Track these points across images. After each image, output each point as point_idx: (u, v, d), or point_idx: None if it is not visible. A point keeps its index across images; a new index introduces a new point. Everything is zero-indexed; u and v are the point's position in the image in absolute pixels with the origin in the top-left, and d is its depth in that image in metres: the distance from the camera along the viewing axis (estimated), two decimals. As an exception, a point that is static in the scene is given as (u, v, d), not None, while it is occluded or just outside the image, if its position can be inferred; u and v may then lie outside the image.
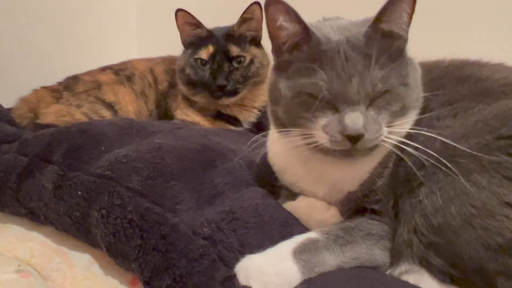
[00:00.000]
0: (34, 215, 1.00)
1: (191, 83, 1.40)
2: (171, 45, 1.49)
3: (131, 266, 0.80)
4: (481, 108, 0.75)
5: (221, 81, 1.33)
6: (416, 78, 0.78)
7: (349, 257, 0.72)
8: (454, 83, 0.81)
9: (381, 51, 0.71)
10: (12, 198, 1.02)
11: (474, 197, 0.66)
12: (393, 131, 0.74)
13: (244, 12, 1.36)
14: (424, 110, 0.78)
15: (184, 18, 1.39)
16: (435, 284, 0.70)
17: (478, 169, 0.68)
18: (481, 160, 0.68)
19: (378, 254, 0.75)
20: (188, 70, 1.39)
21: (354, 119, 0.70)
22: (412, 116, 0.77)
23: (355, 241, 0.74)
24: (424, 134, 0.73)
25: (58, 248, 0.96)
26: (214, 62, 1.36)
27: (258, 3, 1.35)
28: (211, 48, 1.36)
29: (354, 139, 0.70)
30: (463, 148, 0.69)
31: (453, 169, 0.68)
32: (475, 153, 0.68)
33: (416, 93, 0.77)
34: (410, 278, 0.71)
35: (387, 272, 0.75)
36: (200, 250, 0.73)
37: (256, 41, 1.41)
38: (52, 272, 0.91)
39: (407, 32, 0.75)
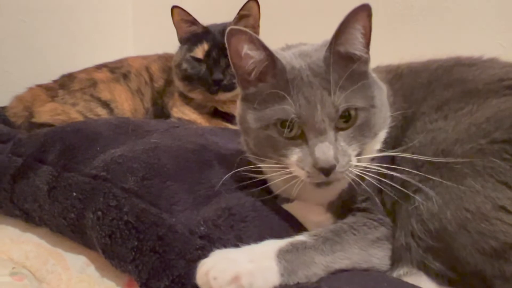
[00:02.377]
0: (28, 217, 0.99)
1: (188, 79, 1.40)
2: (167, 42, 1.49)
3: (128, 268, 0.78)
4: (472, 110, 0.75)
5: (217, 75, 1.33)
6: (382, 98, 0.77)
7: (339, 256, 0.70)
8: (442, 88, 0.81)
9: (341, 74, 0.71)
10: (6, 199, 1.01)
11: (468, 201, 0.67)
12: (361, 158, 0.74)
13: (241, 9, 1.36)
14: (415, 114, 0.78)
15: (180, 15, 1.39)
16: (434, 286, 0.70)
17: (472, 174, 0.68)
18: (475, 164, 0.68)
19: (374, 255, 0.73)
20: (185, 65, 1.39)
21: (324, 150, 0.69)
22: (381, 136, 0.77)
23: (346, 242, 0.72)
24: (419, 140, 0.73)
25: (53, 249, 0.95)
26: (210, 58, 1.35)
27: (255, 0, 1.34)
28: (206, 46, 1.36)
29: (326, 170, 0.69)
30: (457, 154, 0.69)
31: (448, 175, 0.69)
32: (468, 159, 0.68)
33: (384, 113, 0.77)
34: (409, 280, 0.71)
35: (386, 274, 0.74)
36: (199, 251, 0.72)
37: None
38: (47, 274, 0.90)
39: (366, 52, 0.74)
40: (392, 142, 0.79)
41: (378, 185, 0.74)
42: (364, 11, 0.70)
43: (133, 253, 0.77)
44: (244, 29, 0.72)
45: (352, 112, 0.72)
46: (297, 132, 0.71)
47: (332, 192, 0.80)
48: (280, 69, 0.73)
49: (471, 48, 0.87)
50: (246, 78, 0.77)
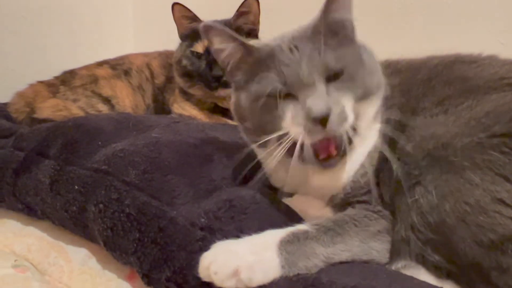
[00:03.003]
0: (30, 210, 1.00)
1: (188, 75, 1.40)
2: (168, 39, 1.49)
3: (129, 259, 0.79)
4: (471, 104, 0.75)
5: (217, 71, 1.33)
6: (373, 62, 0.78)
7: (339, 248, 0.70)
8: (443, 84, 0.81)
9: (330, 38, 0.73)
10: (9, 193, 1.02)
11: (467, 194, 0.67)
12: (360, 117, 0.74)
13: (241, 6, 1.36)
14: (415, 109, 0.79)
15: (181, 12, 1.39)
16: (432, 279, 0.70)
17: (472, 167, 0.68)
18: (474, 158, 0.68)
19: (374, 247, 0.74)
20: (185, 62, 1.39)
21: (315, 99, 0.69)
22: (375, 102, 0.78)
23: (347, 233, 0.72)
24: (420, 133, 0.74)
25: (55, 242, 0.96)
26: (210, 54, 1.35)
27: None
28: (206, 41, 1.36)
29: (321, 119, 0.68)
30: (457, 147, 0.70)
31: (447, 168, 0.69)
32: (468, 151, 0.69)
33: (377, 78, 0.78)
34: (407, 273, 0.71)
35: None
36: (200, 242, 0.72)
37: (253, 34, 1.40)
38: (49, 266, 0.91)
39: (352, 25, 0.78)
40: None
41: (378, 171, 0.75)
42: None
43: (135, 245, 0.77)
44: (211, 24, 0.75)
45: (340, 72, 0.73)
46: (286, 94, 0.72)
47: (339, 178, 0.79)
48: (256, 52, 0.76)
49: (471, 45, 0.87)
50: (230, 67, 0.79)
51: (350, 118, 0.71)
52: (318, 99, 0.69)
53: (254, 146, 0.82)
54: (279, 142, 0.73)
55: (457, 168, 0.69)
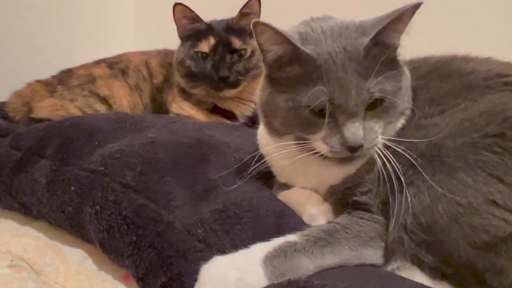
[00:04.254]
0: (27, 210, 1.00)
1: (191, 76, 1.39)
2: (168, 39, 1.48)
3: (125, 262, 0.79)
4: (467, 105, 0.75)
5: (224, 72, 1.33)
6: (407, 84, 0.78)
7: (329, 259, 0.70)
8: (439, 79, 0.81)
9: (377, 61, 0.71)
10: (5, 192, 1.01)
11: (460, 195, 0.67)
12: (384, 133, 0.75)
13: (243, 7, 1.36)
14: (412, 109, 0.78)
15: (183, 12, 1.38)
16: (426, 280, 0.70)
17: (464, 168, 0.68)
18: (467, 158, 0.69)
19: (365, 254, 0.74)
20: (189, 62, 1.39)
21: (354, 131, 0.70)
22: (401, 121, 0.78)
23: (337, 242, 0.72)
24: (413, 134, 0.74)
25: (52, 243, 0.95)
26: (215, 54, 1.35)
27: None
28: (212, 40, 1.36)
29: (354, 149, 0.71)
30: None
31: (440, 168, 0.69)
32: (461, 152, 0.69)
33: (407, 99, 0.77)
34: (403, 275, 0.71)
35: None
36: (199, 253, 0.73)
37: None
38: (45, 267, 0.91)
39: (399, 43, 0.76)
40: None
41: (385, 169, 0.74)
42: (417, 8, 0.73)
43: (131, 248, 0.77)
44: (265, 22, 0.71)
45: (382, 97, 0.73)
46: (328, 113, 0.71)
47: (345, 169, 0.79)
48: (307, 59, 0.72)
49: (470, 47, 0.88)
50: (272, 64, 0.76)
51: (379, 141, 0.74)
52: (356, 130, 0.70)
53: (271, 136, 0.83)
54: (299, 144, 0.75)
55: (450, 168, 0.69)
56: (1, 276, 0.85)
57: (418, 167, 0.71)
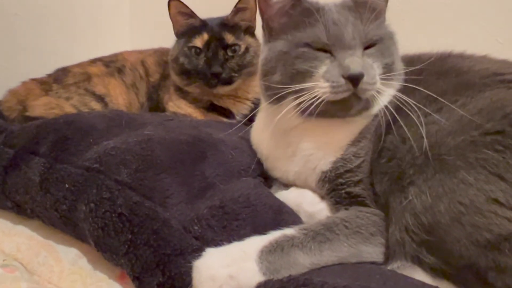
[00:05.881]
0: (20, 209, 0.99)
1: (185, 73, 1.38)
2: (164, 37, 1.47)
3: (120, 261, 0.78)
4: (465, 102, 0.75)
5: (216, 68, 1.31)
6: (398, 47, 0.85)
7: (327, 256, 0.69)
8: (436, 77, 0.81)
9: (370, 12, 0.79)
10: (-2, 190, 1.00)
11: (461, 194, 0.66)
12: (382, 91, 0.78)
13: (238, 2, 1.35)
14: (408, 103, 0.78)
15: (177, 8, 1.37)
16: (428, 279, 0.69)
17: (465, 166, 0.67)
18: (467, 157, 0.68)
19: (365, 251, 0.73)
20: (182, 59, 1.38)
21: (354, 60, 0.75)
22: (396, 83, 0.82)
23: (336, 238, 0.71)
24: (413, 133, 0.73)
25: (45, 242, 0.94)
26: (208, 50, 1.34)
27: None
28: (205, 36, 1.35)
29: (356, 80, 0.74)
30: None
31: (441, 167, 0.68)
32: (461, 150, 0.68)
33: (400, 62, 0.84)
34: (404, 273, 0.70)
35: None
36: (196, 253, 0.71)
37: (250, 31, 1.40)
38: (38, 266, 0.89)
39: (385, 10, 0.85)
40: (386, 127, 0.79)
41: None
42: None
43: (126, 247, 0.76)
44: None
45: (376, 42, 0.80)
46: (326, 52, 0.78)
47: (330, 145, 0.82)
48: (307, 5, 0.81)
49: (469, 44, 0.88)
50: (272, 17, 0.85)
51: (378, 83, 0.77)
52: (356, 60, 0.75)
53: (264, 109, 0.89)
54: (299, 96, 0.76)
55: (450, 167, 0.68)
56: (-6, 276, 0.84)
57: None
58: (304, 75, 0.77)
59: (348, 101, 0.77)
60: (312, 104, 0.75)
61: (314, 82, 0.76)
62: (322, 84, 0.75)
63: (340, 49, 0.77)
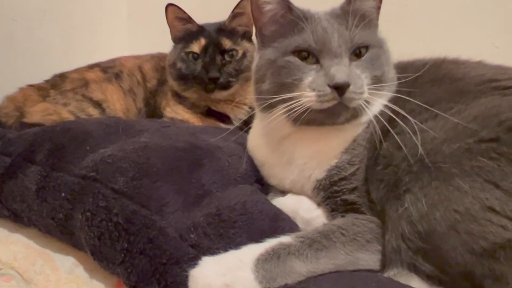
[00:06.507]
0: (17, 217, 0.98)
1: (182, 78, 1.38)
2: (162, 42, 1.47)
3: (116, 270, 0.78)
4: (460, 109, 0.75)
5: (213, 73, 1.32)
6: (389, 55, 0.85)
7: (323, 263, 0.69)
8: (430, 84, 0.81)
9: (357, 19, 0.79)
10: (-6, 199, 1.00)
11: (457, 202, 0.66)
12: (371, 101, 0.78)
13: (236, 7, 1.36)
14: (403, 110, 0.78)
15: (175, 13, 1.38)
16: (424, 287, 0.69)
17: (461, 174, 0.67)
18: (463, 164, 0.68)
19: (361, 258, 0.73)
20: (180, 64, 1.38)
21: (339, 69, 0.74)
22: (387, 93, 0.81)
23: (333, 246, 0.71)
24: (408, 141, 0.73)
25: (42, 250, 0.94)
26: (206, 55, 1.34)
27: None
28: (203, 41, 1.35)
29: (341, 89, 0.73)
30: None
31: (436, 175, 0.68)
32: (457, 158, 0.68)
33: (391, 71, 0.84)
34: (400, 281, 0.70)
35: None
36: (192, 262, 0.71)
37: (247, 36, 1.40)
38: (35, 275, 0.89)
39: (376, 18, 0.85)
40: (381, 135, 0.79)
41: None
42: None
43: (123, 255, 0.76)
44: None
45: (363, 50, 0.80)
46: (313, 60, 0.78)
47: (325, 153, 0.82)
48: (297, 13, 0.81)
49: (465, 49, 0.87)
50: (265, 24, 0.85)
51: (366, 94, 0.76)
52: (342, 69, 0.75)
53: (258, 116, 0.89)
54: (287, 105, 0.77)
55: (446, 175, 0.68)
56: (-10, 285, 0.83)
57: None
58: (291, 85, 0.77)
59: (335, 109, 0.76)
60: (300, 112, 0.76)
61: (300, 91, 0.76)
62: (308, 93, 0.75)
63: (326, 56, 0.77)
